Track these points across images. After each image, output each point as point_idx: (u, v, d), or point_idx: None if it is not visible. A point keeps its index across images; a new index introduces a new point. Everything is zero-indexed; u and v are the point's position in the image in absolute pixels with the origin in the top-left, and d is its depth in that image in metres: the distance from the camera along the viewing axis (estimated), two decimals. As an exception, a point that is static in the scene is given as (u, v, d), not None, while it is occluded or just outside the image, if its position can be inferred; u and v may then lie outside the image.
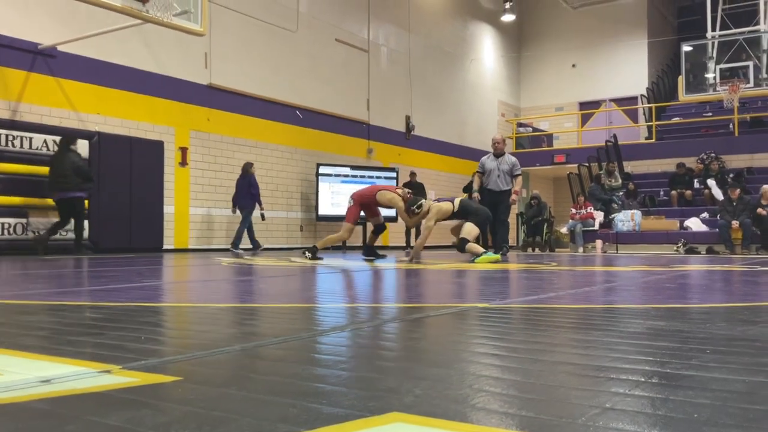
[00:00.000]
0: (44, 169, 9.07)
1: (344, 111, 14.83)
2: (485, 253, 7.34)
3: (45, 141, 9.23)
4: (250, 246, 11.50)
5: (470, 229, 7.66)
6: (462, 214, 7.74)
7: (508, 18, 20.78)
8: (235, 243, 11.30)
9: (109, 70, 10.41)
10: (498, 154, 9.43)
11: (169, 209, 11.01)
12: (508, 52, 21.95)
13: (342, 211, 13.80)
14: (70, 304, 2.88)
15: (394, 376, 1.36)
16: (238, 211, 11.39)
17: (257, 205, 11.39)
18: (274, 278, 4.83)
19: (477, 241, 7.96)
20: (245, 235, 11.31)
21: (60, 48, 9.71)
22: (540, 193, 16.59)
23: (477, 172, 9.51)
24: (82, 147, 9.57)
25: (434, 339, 1.94)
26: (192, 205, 11.60)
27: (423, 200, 7.68)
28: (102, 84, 10.32)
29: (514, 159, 9.49)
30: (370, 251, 8.22)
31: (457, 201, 7.82)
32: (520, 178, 9.39)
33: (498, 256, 7.63)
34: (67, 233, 9.14)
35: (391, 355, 1.66)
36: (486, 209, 8.01)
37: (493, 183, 9.24)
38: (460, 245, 7.68)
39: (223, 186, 12.11)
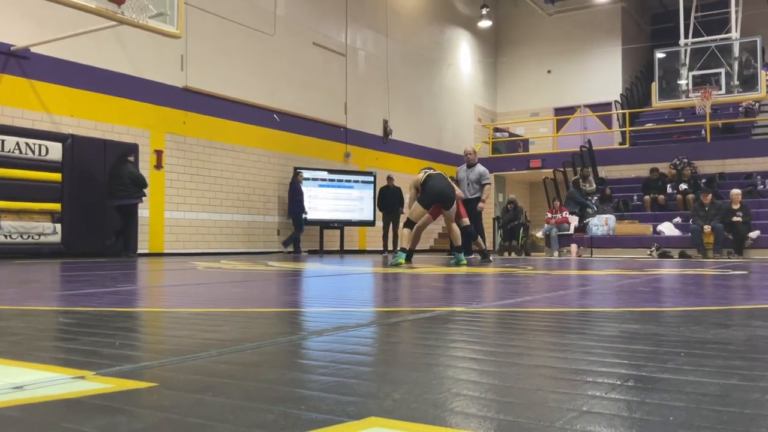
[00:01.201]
0: (17, 172, 8.99)
1: (322, 115, 14.80)
2: (402, 251, 7.39)
3: (17, 143, 9.08)
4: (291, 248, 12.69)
5: (413, 209, 7.61)
6: (422, 188, 7.61)
7: (485, 24, 20.95)
8: (286, 242, 12.75)
9: (83, 72, 10.28)
10: (470, 165, 9.89)
11: (143, 213, 10.89)
12: (484, 57, 22.10)
13: (318, 215, 13.89)
14: (43, 309, 2.83)
15: (372, 380, 1.36)
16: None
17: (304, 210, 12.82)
18: (251, 282, 4.80)
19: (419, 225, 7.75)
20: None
21: (33, 50, 9.58)
22: (516, 197, 16.71)
23: (454, 180, 9.90)
24: (55, 150, 9.46)
25: (412, 343, 1.94)
26: (167, 208, 11.49)
27: (425, 170, 7.85)
28: (76, 86, 10.20)
29: (482, 169, 9.88)
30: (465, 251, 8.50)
31: (428, 174, 7.69)
32: (487, 187, 9.80)
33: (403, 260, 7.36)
34: (40, 237, 9.09)
35: (370, 359, 1.66)
36: (440, 191, 7.52)
37: (462, 191, 9.54)
38: (404, 224, 7.76)
39: (198, 189, 12.02)
